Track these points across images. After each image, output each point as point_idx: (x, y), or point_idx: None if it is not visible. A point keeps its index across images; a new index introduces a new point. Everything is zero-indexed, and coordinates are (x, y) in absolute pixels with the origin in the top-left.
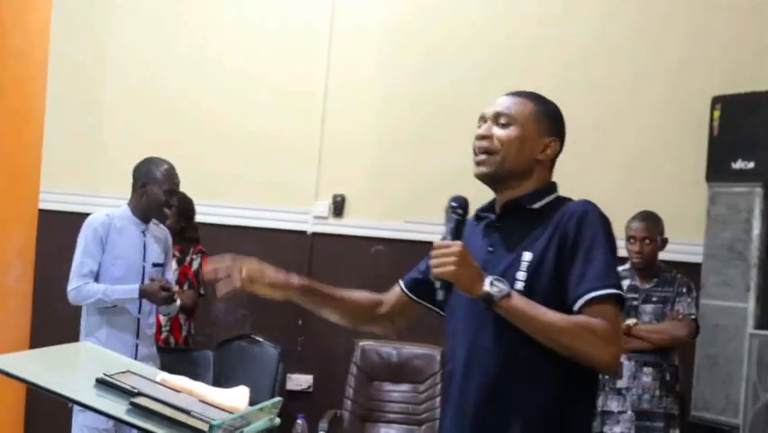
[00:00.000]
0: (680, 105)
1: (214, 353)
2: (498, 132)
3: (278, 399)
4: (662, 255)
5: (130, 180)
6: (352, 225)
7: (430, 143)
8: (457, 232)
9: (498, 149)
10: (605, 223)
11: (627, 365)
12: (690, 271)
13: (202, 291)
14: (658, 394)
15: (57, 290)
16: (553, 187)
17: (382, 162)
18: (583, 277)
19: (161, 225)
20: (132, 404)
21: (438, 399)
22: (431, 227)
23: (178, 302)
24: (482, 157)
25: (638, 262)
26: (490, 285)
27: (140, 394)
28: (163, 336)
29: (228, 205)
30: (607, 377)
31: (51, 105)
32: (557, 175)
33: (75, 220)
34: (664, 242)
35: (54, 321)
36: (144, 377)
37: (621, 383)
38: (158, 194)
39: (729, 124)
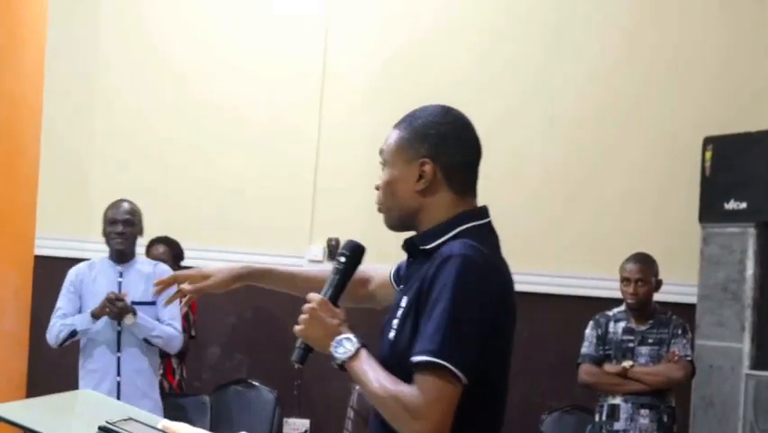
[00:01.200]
0: (671, 146)
1: (210, 397)
2: (380, 179)
3: None
4: (657, 296)
5: None
6: None
7: None
8: (336, 283)
9: (381, 200)
10: (461, 275)
11: (624, 407)
12: (685, 311)
13: (193, 333)
14: None
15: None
16: (456, 222)
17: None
18: (420, 336)
19: (160, 264)
20: None
21: None
22: None
23: (139, 315)
24: (381, 211)
25: (633, 304)
26: (336, 346)
27: None
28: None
29: (221, 249)
30: (604, 418)
31: (45, 150)
32: (547, 212)
33: (70, 265)
34: (659, 283)
35: (51, 366)
36: (146, 424)
37: (619, 425)
38: (104, 228)
39: (722, 164)
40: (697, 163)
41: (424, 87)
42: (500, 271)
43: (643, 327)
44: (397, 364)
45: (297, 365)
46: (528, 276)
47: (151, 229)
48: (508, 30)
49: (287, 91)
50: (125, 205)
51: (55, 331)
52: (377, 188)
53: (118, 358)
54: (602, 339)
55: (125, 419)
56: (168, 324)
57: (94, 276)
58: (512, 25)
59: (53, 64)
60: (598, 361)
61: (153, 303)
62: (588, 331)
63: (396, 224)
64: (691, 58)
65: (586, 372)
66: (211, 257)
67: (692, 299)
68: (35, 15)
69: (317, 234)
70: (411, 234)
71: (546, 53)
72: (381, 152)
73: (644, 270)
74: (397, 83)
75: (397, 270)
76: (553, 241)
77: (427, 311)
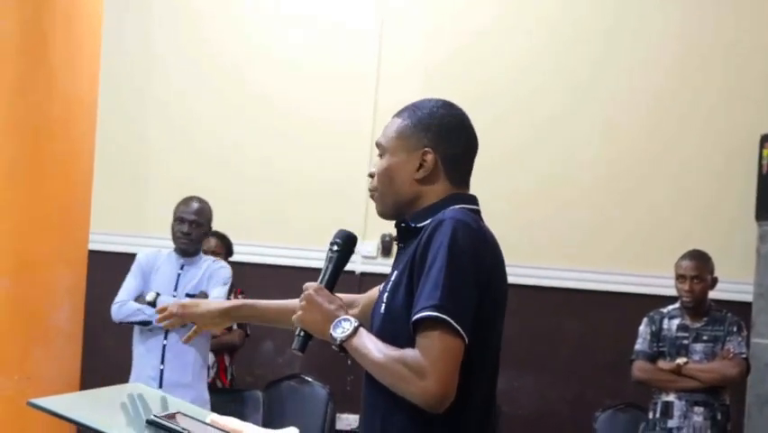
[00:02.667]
0: (727, 144)
1: (262, 393)
2: (376, 166)
3: None
4: (712, 294)
5: None
6: None
7: (474, 181)
8: (330, 271)
9: (376, 187)
10: (455, 237)
11: (678, 405)
12: (740, 309)
13: (248, 331)
14: None
15: (107, 330)
16: (448, 201)
17: None
18: (418, 296)
19: (218, 261)
20: None
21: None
22: None
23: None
24: (374, 198)
25: (688, 301)
26: (334, 328)
27: None
28: (210, 377)
29: (275, 246)
30: (658, 416)
31: (99, 146)
32: (602, 210)
33: (123, 260)
34: (714, 281)
35: (105, 361)
36: (194, 418)
37: (672, 423)
38: (172, 226)
39: None
40: (754, 161)
41: (476, 87)
42: (492, 242)
43: (697, 325)
44: (391, 335)
45: (298, 353)
46: (584, 273)
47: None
48: (560, 31)
49: (342, 89)
50: (194, 204)
51: (128, 311)
52: (370, 176)
53: (164, 346)
54: (656, 336)
55: (173, 413)
56: None
57: (159, 265)
58: (564, 27)
59: (107, 62)
60: (652, 358)
61: (205, 295)
62: (642, 328)
63: (389, 210)
64: (747, 55)
65: (639, 368)
66: (265, 253)
67: (748, 298)
68: (91, 14)
69: (371, 230)
70: None
71: (600, 52)
72: (378, 143)
73: (699, 267)
74: (450, 83)
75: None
76: (609, 238)
77: (425, 273)
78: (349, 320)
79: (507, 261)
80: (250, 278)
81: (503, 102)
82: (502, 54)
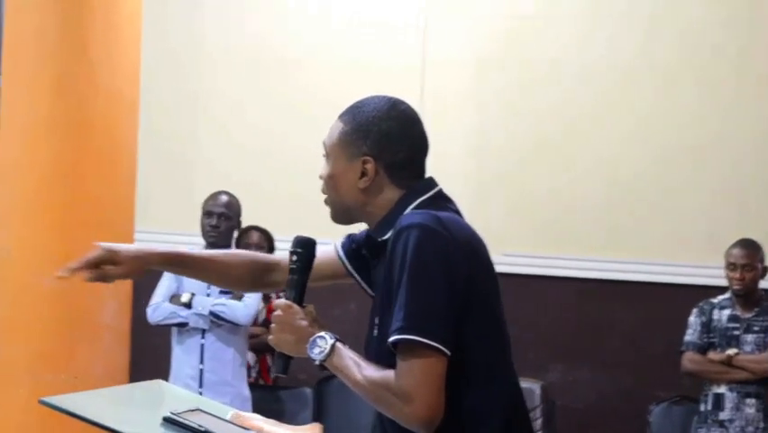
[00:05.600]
0: None
1: (312, 390)
2: (323, 170)
3: None
4: (763, 284)
5: None
6: None
7: (523, 170)
8: (295, 283)
9: (324, 191)
10: (415, 246)
11: (730, 397)
12: None
13: None
14: (762, 426)
15: (154, 328)
16: (401, 205)
17: (477, 194)
18: (391, 319)
19: None
20: None
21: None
22: (530, 260)
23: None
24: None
25: (739, 290)
26: (311, 348)
27: (205, 432)
28: (252, 377)
29: (321, 241)
30: (709, 408)
31: (144, 145)
32: (653, 200)
33: None
34: (765, 270)
35: (152, 357)
36: (214, 415)
37: (724, 415)
38: (201, 220)
39: None
40: None
41: (522, 75)
42: (463, 230)
43: (748, 315)
44: (386, 360)
45: (281, 376)
46: (636, 265)
47: (253, 221)
48: (607, 14)
49: (387, 84)
50: (223, 197)
51: (163, 313)
52: (320, 178)
53: (202, 346)
54: (706, 327)
55: (192, 410)
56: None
57: None
58: (610, 9)
59: (152, 60)
60: (703, 349)
61: (241, 295)
62: (692, 319)
63: (339, 217)
64: None
65: (689, 359)
66: None
67: None
68: (130, 11)
69: None
70: None
71: (647, 34)
72: (324, 144)
73: (750, 255)
74: (495, 71)
75: (351, 246)
76: (660, 228)
77: (394, 293)
78: (324, 337)
79: (556, 252)
80: None
81: (549, 88)
82: (547, 39)
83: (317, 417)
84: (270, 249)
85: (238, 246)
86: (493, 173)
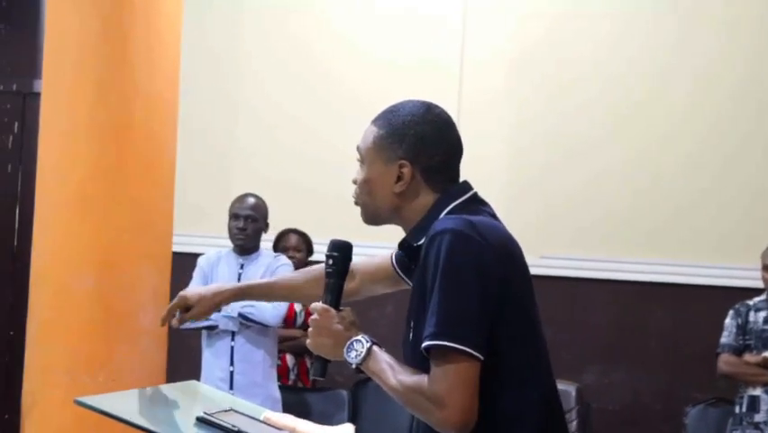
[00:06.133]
0: None
1: (348, 392)
2: (357, 174)
3: None
4: None
5: None
6: None
7: (561, 170)
8: (332, 287)
9: (358, 196)
10: (447, 251)
11: (765, 399)
12: None
13: None
14: None
15: (193, 331)
16: (436, 210)
17: (513, 193)
18: (424, 324)
19: (281, 257)
20: None
21: None
22: (567, 262)
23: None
24: (358, 205)
25: None
26: (347, 351)
27: (239, 432)
28: (291, 379)
29: (364, 245)
30: (744, 410)
31: (183, 146)
32: (689, 200)
33: None
34: None
35: (189, 359)
36: (247, 415)
37: (759, 417)
38: (228, 223)
39: None
40: None
41: (560, 73)
42: (497, 234)
43: None
44: (421, 364)
45: (319, 379)
46: (673, 267)
47: (293, 224)
48: (641, 19)
49: (426, 81)
50: (249, 200)
51: None
52: (354, 182)
53: (231, 348)
54: (742, 329)
55: (226, 410)
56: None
57: (219, 267)
58: (645, 14)
59: (192, 61)
60: (738, 351)
61: None
62: (727, 321)
63: (371, 220)
64: None
65: (725, 361)
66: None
67: None
68: (170, 13)
69: None
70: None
71: (684, 33)
72: (358, 149)
73: None
74: (535, 70)
75: (402, 256)
76: (697, 230)
77: (428, 299)
78: (360, 341)
79: (594, 254)
80: None
81: (587, 87)
82: (585, 38)
83: (353, 419)
84: (309, 252)
85: (276, 249)
86: (531, 174)
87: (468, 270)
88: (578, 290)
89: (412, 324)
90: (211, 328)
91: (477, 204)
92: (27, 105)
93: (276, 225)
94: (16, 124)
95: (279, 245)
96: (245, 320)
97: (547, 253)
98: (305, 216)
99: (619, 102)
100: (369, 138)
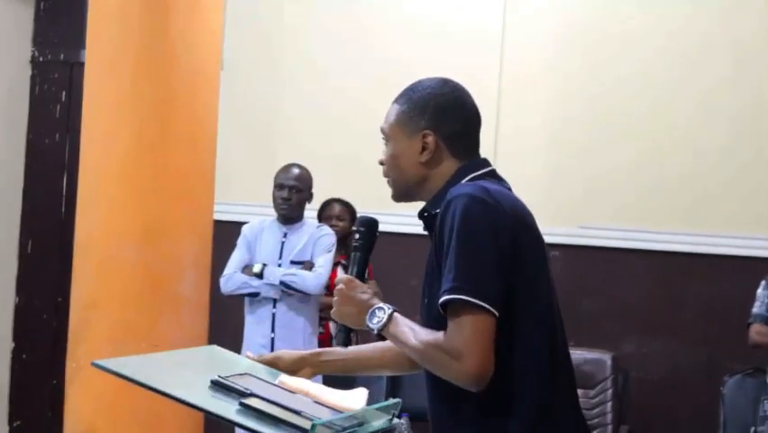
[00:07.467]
0: None
1: None
2: (384, 154)
3: (396, 400)
4: None
5: None
6: None
7: (602, 142)
8: (358, 260)
9: (387, 173)
10: (464, 211)
11: None
12: None
13: None
14: None
15: (233, 299)
16: (456, 178)
17: (555, 164)
18: (440, 285)
19: (323, 227)
20: (242, 405)
21: (609, 403)
22: (606, 232)
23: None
24: (389, 184)
25: None
26: (370, 318)
27: (251, 395)
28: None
29: (402, 214)
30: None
31: (225, 117)
32: (730, 171)
33: None
34: None
35: (231, 329)
36: (262, 379)
37: None
38: (273, 193)
39: None
40: None
41: (604, 46)
42: (511, 201)
43: None
44: (437, 326)
45: (342, 348)
46: (711, 237)
47: (336, 194)
48: None
49: (468, 56)
50: (294, 170)
51: (235, 283)
52: (381, 163)
53: (273, 315)
54: None
55: (242, 374)
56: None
57: (263, 235)
58: None
59: (238, 33)
60: None
61: (301, 262)
62: (760, 291)
63: (402, 195)
64: None
65: (757, 331)
66: (392, 221)
67: None
68: None
69: None
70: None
71: (725, 5)
72: (382, 130)
73: None
74: (577, 48)
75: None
76: (735, 202)
77: (444, 259)
78: (383, 308)
79: (633, 225)
80: (378, 246)
81: (630, 61)
82: (629, 11)
83: (392, 385)
84: (352, 221)
85: (320, 219)
86: (572, 147)
87: (482, 230)
88: (616, 260)
89: (427, 289)
90: (253, 295)
91: (494, 178)
92: (74, 74)
93: (320, 195)
94: (63, 94)
95: (323, 214)
96: (287, 288)
97: (586, 223)
98: (349, 187)
99: (661, 77)
100: (392, 116)
